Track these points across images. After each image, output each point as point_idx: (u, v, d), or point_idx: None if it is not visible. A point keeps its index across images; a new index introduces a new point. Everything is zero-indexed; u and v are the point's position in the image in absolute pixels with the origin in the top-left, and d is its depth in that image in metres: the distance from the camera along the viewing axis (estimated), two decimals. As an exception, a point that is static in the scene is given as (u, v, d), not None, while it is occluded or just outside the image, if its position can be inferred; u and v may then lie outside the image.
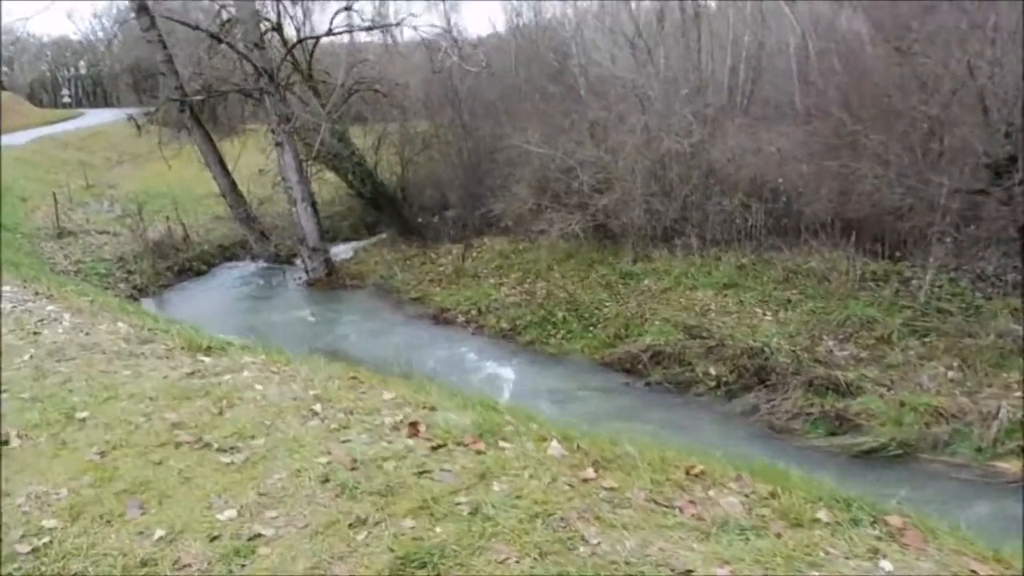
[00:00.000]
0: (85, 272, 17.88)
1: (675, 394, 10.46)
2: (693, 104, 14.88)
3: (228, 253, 21.25)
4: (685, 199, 14.14)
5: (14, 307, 7.54)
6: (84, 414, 4.46)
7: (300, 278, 18.22)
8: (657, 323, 12.00)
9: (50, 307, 7.53)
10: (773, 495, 3.15)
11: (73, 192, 24.97)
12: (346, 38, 18.77)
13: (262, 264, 20.32)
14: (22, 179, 25.14)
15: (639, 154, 14.48)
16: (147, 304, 15.34)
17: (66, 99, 59.49)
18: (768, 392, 9.75)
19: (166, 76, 18.18)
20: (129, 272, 18.51)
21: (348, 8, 18.62)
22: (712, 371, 10.50)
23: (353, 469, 3.64)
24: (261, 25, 16.29)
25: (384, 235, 21.65)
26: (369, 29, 16.61)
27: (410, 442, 4.09)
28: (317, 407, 4.66)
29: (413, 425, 4.24)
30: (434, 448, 4.00)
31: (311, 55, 19.08)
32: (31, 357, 5.73)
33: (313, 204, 17.38)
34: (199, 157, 19.47)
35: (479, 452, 3.85)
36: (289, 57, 17.97)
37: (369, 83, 19.58)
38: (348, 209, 22.99)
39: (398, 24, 15.80)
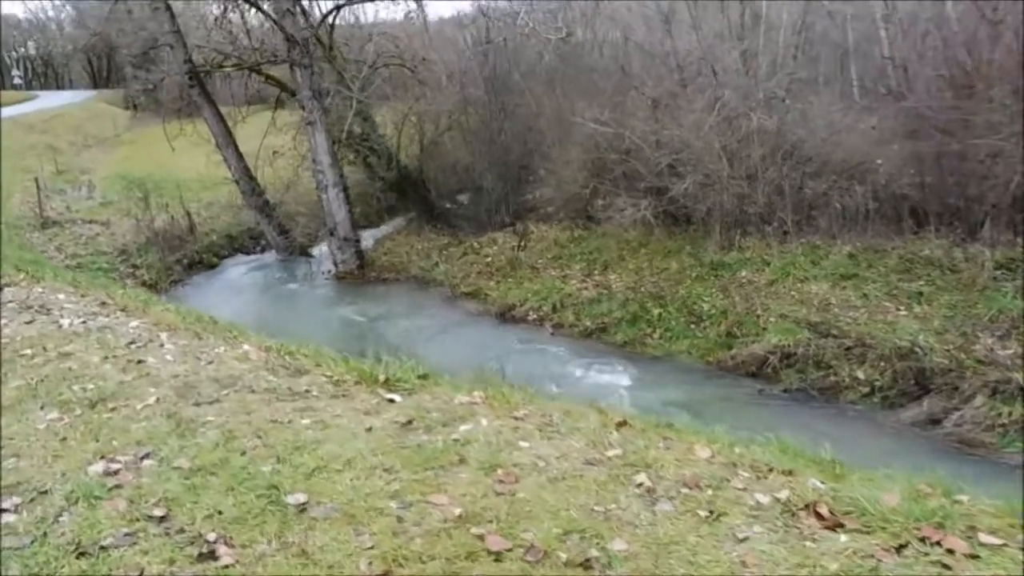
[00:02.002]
0: (86, 267, 15.97)
1: (821, 402, 9.21)
2: (774, 79, 13.59)
3: (236, 244, 19.45)
4: (776, 181, 12.86)
5: (85, 322, 5.90)
6: (298, 498, 2.99)
7: (327, 271, 16.54)
8: (773, 320, 10.73)
9: (134, 323, 5.89)
10: None
11: (46, 178, 22.83)
12: (369, 9, 16.93)
13: (276, 256, 18.59)
14: (-10, 165, 22.94)
15: (722, 133, 13.15)
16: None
17: (16, 81, 55.93)
18: (940, 399, 8.56)
19: (173, 48, 16.23)
20: (135, 267, 16.65)
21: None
22: (860, 375, 9.28)
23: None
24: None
25: (401, 221, 20.06)
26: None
27: (842, 539, 2.79)
28: (642, 478, 3.27)
29: (812, 509, 2.95)
30: (898, 548, 2.71)
31: (332, 26, 17.28)
32: (157, 401, 4.20)
33: (345, 189, 15.68)
34: (210, 138, 17.54)
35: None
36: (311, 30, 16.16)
37: (394, 58, 17.86)
38: (359, 194, 21.27)
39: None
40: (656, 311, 11.53)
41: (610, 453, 3.51)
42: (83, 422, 3.80)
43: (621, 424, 3.95)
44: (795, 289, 11.34)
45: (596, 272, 13.72)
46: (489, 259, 15.52)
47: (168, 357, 5.13)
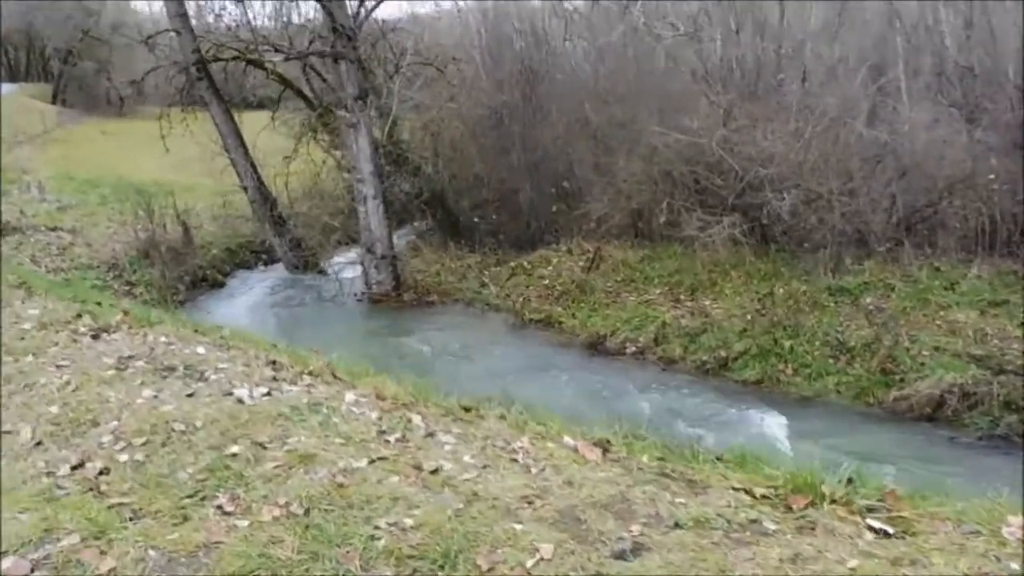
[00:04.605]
0: (75, 283, 13.63)
1: (1028, 452, 8.01)
2: (873, 85, 12.56)
3: (238, 259, 17.27)
4: (885, 197, 11.78)
5: (270, 393, 4.10)
6: None
7: (358, 292, 14.61)
8: (926, 353, 9.55)
9: (349, 396, 4.09)
10: None
11: (-17, 178, 20.12)
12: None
13: (286, 273, 16.54)
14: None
15: (826, 143, 12.00)
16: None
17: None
18: None
19: (180, 35, 14.07)
20: (130, 283, 14.38)
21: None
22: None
23: None
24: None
25: (412, 233, 18.26)
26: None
27: None
28: None
29: None
30: None
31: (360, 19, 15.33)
32: (543, 559, 2.60)
33: (386, 201, 13.82)
34: (215, 139, 15.39)
35: None
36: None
37: (422, 57, 16.09)
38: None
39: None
40: (787, 343, 10.19)
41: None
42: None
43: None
44: (938, 318, 10.21)
45: (684, 297, 12.32)
46: (547, 281, 13.92)
47: (467, 458, 3.43)
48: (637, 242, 14.24)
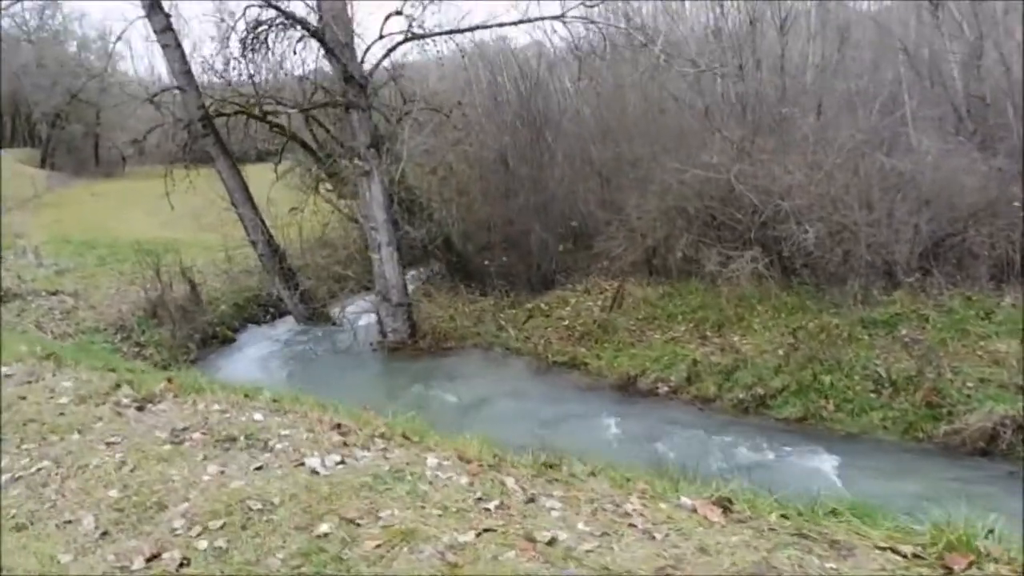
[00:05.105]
0: (85, 348, 13.28)
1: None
2: (889, 117, 12.53)
3: (246, 313, 16.94)
4: (910, 227, 11.64)
5: (343, 462, 3.78)
6: None
7: (373, 342, 14.28)
8: (971, 385, 9.29)
9: (431, 460, 3.77)
10: None
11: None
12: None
13: (296, 325, 16.21)
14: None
15: (847, 174, 11.91)
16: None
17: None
18: None
19: (184, 92, 13.96)
20: (139, 344, 14.02)
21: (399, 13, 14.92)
22: None
23: None
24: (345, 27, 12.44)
25: (420, 279, 17.99)
26: (518, 23, 12.99)
27: None
28: None
29: None
30: None
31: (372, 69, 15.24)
32: None
33: (399, 249, 13.58)
34: (222, 194, 15.20)
35: None
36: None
37: (428, 104, 16.01)
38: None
39: (559, 17, 12.24)
40: (826, 378, 9.91)
41: None
42: None
43: None
44: (979, 348, 9.98)
45: (710, 333, 12.08)
46: (566, 322, 13.67)
47: (580, 526, 3.13)
48: (652, 279, 14.03)
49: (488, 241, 17.34)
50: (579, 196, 16.19)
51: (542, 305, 14.48)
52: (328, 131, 17.10)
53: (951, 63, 14.36)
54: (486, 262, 17.03)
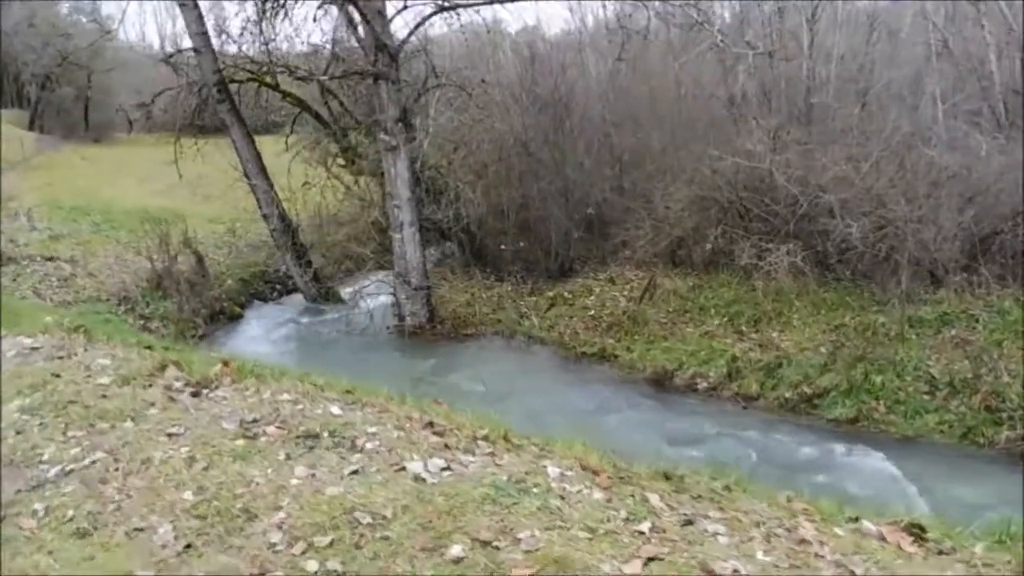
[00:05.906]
0: (86, 317, 12.63)
1: None
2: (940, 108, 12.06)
3: (252, 289, 16.34)
4: (957, 224, 11.21)
5: (449, 467, 3.27)
6: None
7: (390, 325, 13.73)
8: (1030, 389, 8.89)
9: (553, 470, 3.25)
10: None
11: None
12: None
13: (305, 303, 15.63)
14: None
15: (892, 168, 11.45)
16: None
17: None
18: None
19: (200, 53, 13.27)
20: (144, 317, 13.38)
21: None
22: None
23: None
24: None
25: (431, 261, 17.40)
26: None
27: None
28: None
29: None
30: None
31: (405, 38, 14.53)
32: None
33: (422, 229, 13.00)
34: (233, 164, 14.54)
35: None
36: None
37: (450, 79, 15.39)
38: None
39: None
40: (877, 379, 9.48)
41: None
42: None
43: None
44: (1033, 349, 9.58)
45: (746, 328, 11.62)
46: (592, 312, 13.16)
47: (760, 555, 2.64)
48: (678, 271, 13.55)
49: (504, 226, 16.76)
50: (597, 184, 15.65)
51: (565, 293, 13.97)
52: (343, 104, 16.46)
53: (989, 57, 13.94)
54: (502, 247, 16.48)
